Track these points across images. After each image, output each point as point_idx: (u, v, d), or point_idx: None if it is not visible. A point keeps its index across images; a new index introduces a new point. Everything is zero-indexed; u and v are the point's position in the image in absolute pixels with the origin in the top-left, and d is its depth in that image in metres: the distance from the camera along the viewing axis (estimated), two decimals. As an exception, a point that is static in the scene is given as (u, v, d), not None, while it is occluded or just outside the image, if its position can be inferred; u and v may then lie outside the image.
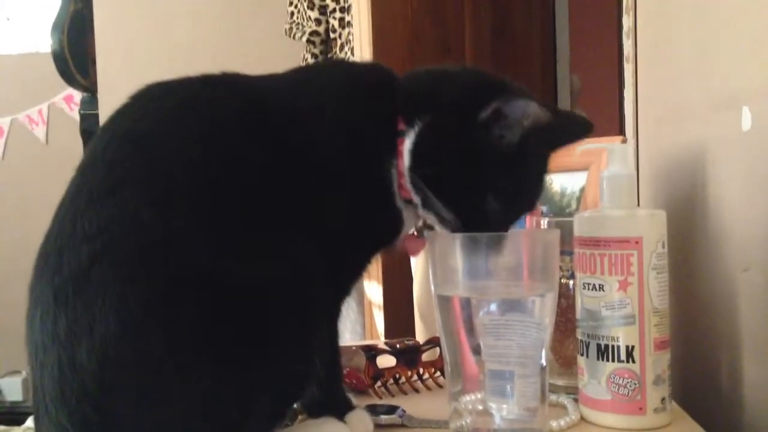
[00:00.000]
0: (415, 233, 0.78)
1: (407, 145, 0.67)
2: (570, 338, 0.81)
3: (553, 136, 0.69)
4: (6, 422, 2.83)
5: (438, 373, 0.90)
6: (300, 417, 0.73)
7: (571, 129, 0.73)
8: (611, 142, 0.92)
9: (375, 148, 0.68)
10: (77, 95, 3.10)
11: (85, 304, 0.55)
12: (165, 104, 0.65)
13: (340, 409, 0.71)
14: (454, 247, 0.64)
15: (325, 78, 0.74)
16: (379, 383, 0.86)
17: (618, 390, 0.70)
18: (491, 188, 0.66)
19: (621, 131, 1.13)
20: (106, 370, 0.54)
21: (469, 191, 0.66)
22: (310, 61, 1.82)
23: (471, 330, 0.62)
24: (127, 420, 0.54)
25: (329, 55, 1.83)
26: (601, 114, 1.70)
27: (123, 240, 0.56)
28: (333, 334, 0.73)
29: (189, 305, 0.56)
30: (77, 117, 2.92)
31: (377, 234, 0.71)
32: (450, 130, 0.67)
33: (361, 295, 1.53)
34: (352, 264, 0.71)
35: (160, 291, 0.55)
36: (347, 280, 0.72)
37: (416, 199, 0.68)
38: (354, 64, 0.84)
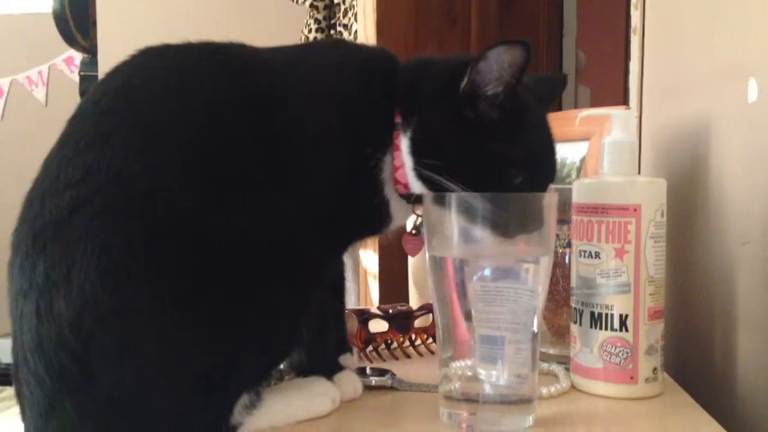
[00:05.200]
0: (414, 232, 0.78)
1: (405, 142, 0.66)
2: (564, 308, 0.80)
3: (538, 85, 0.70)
4: (1, 383, 2.85)
5: (430, 340, 0.90)
6: (288, 377, 0.73)
7: (550, 83, 0.75)
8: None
9: (366, 135, 0.67)
10: (78, 57, 3.07)
11: (65, 250, 0.54)
12: (161, 63, 0.64)
13: (329, 370, 0.71)
14: (449, 207, 0.62)
15: (328, 58, 0.72)
16: (370, 347, 0.86)
17: (610, 359, 0.70)
18: (509, 160, 0.65)
19: (625, 103, 1.11)
20: (84, 318, 0.53)
21: (490, 170, 0.64)
22: (313, 26, 1.80)
23: (463, 294, 0.62)
24: (105, 371, 0.53)
25: (332, 21, 1.80)
26: (606, 87, 1.68)
27: (108, 188, 0.55)
28: (320, 298, 0.72)
29: (172, 256, 0.55)
30: (77, 79, 2.90)
31: (358, 220, 0.70)
32: (443, 120, 0.66)
33: (357, 263, 1.52)
34: (332, 241, 0.69)
35: (143, 241, 0.54)
36: (329, 254, 0.71)
37: (419, 190, 0.67)
38: (359, 47, 0.82)
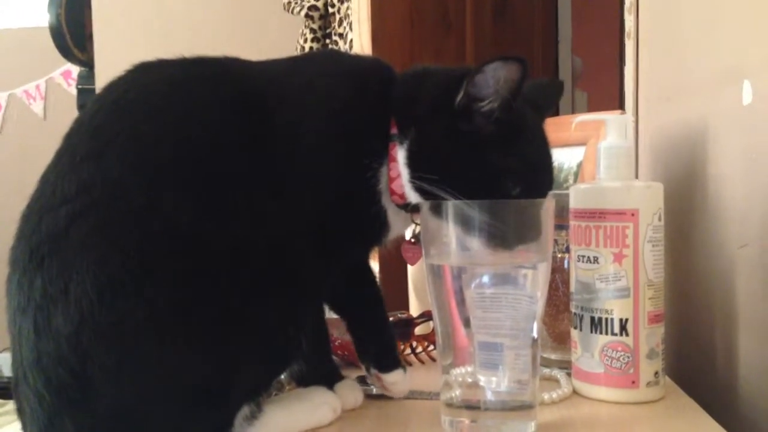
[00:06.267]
0: (413, 241, 0.78)
1: (401, 153, 0.66)
2: (564, 313, 0.80)
3: (532, 95, 0.69)
4: (3, 396, 2.83)
5: (431, 347, 0.90)
6: (288, 387, 0.73)
7: (546, 90, 0.74)
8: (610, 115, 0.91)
9: (361, 146, 0.67)
10: (75, 70, 3.07)
11: (62, 265, 0.54)
12: (156, 78, 0.64)
13: (330, 380, 0.71)
14: (446, 215, 0.62)
15: (322, 69, 0.72)
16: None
17: (611, 363, 0.70)
18: (506, 172, 0.64)
19: (621, 108, 1.11)
20: (82, 333, 0.52)
21: (487, 182, 0.64)
22: (309, 36, 1.80)
23: (462, 301, 0.62)
24: (103, 386, 0.53)
25: (328, 31, 1.81)
26: (602, 91, 1.68)
27: (103, 202, 0.55)
28: (319, 308, 0.73)
29: (169, 269, 0.55)
30: (75, 92, 2.90)
31: (355, 230, 0.69)
32: (439, 132, 0.65)
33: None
34: (330, 253, 0.68)
35: (139, 254, 0.54)
36: (329, 266, 0.69)
37: (416, 200, 0.67)
38: (353, 58, 0.82)
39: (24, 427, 0.58)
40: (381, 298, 0.75)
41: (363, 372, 0.76)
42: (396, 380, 0.72)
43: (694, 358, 0.83)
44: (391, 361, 0.72)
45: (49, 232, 0.55)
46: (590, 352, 0.71)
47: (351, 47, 1.64)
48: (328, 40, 1.81)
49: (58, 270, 0.54)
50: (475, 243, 0.60)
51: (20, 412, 0.58)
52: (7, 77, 3.42)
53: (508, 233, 0.60)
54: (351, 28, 1.64)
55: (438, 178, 0.64)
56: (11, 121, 3.45)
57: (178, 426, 0.56)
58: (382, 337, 0.74)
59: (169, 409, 0.56)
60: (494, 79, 0.62)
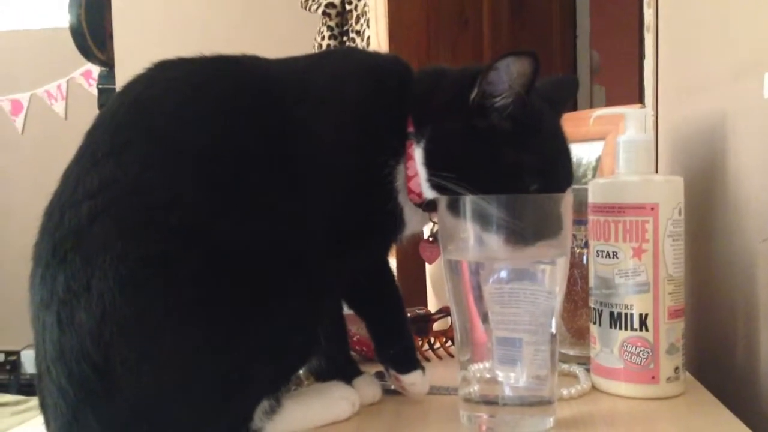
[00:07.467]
0: (431, 240, 0.77)
1: (418, 152, 0.66)
2: (582, 308, 0.80)
3: (547, 91, 0.68)
4: (26, 393, 2.88)
5: (449, 343, 0.90)
6: (307, 382, 0.73)
7: (561, 86, 0.74)
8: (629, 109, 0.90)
9: (378, 144, 0.67)
10: (95, 71, 3.11)
11: (84, 260, 0.54)
12: (175, 76, 0.65)
13: (348, 375, 0.71)
14: (464, 210, 0.62)
15: (341, 67, 0.72)
16: (389, 351, 0.86)
17: (631, 359, 0.69)
18: (523, 169, 0.64)
19: (641, 102, 1.11)
20: (105, 328, 0.53)
21: (504, 180, 0.64)
22: (326, 33, 1.81)
23: (480, 297, 0.62)
24: (125, 380, 0.54)
25: (345, 28, 1.81)
26: (621, 85, 1.67)
27: (125, 198, 0.56)
28: (337, 304, 0.73)
29: (188, 265, 0.55)
30: (96, 92, 2.93)
31: (371, 227, 0.69)
32: (455, 130, 0.65)
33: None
34: (347, 249, 0.68)
35: (159, 250, 0.55)
36: (346, 262, 0.68)
37: (431, 196, 0.67)
38: (372, 55, 0.82)
39: (47, 421, 0.58)
40: (400, 298, 0.75)
41: (381, 367, 0.76)
42: (414, 381, 0.71)
43: (714, 354, 0.83)
44: (409, 363, 0.72)
45: (72, 227, 0.56)
46: (609, 347, 0.71)
47: (368, 44, 1.65)
48: (345, 38, 1.82)
49: (80, 265, 0.54)
50: (494, 240, 0.60)
51: (43, 407, 0.59)
52: (29, 78, 3.47)
53: (526, 230, 0.60)
54: (368, 25, 1.65)
55: (455, 175, 0.63)
56: (33, 121, 3.50)
57: (199, 419, 0.57)
58: (401, 338, 0.73)
59: (189, 403, 0.56)
60: (507, 74, 0.61)
